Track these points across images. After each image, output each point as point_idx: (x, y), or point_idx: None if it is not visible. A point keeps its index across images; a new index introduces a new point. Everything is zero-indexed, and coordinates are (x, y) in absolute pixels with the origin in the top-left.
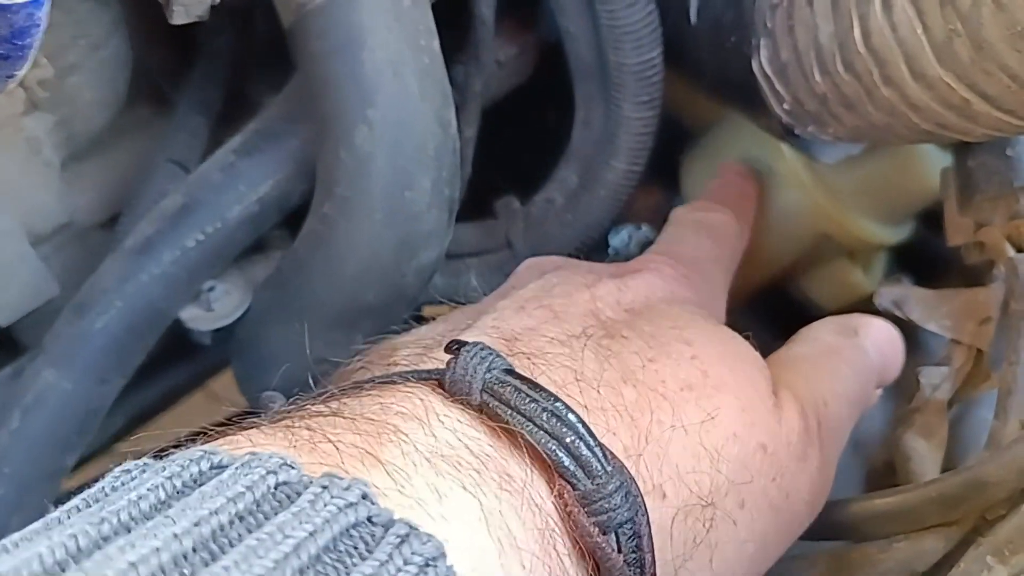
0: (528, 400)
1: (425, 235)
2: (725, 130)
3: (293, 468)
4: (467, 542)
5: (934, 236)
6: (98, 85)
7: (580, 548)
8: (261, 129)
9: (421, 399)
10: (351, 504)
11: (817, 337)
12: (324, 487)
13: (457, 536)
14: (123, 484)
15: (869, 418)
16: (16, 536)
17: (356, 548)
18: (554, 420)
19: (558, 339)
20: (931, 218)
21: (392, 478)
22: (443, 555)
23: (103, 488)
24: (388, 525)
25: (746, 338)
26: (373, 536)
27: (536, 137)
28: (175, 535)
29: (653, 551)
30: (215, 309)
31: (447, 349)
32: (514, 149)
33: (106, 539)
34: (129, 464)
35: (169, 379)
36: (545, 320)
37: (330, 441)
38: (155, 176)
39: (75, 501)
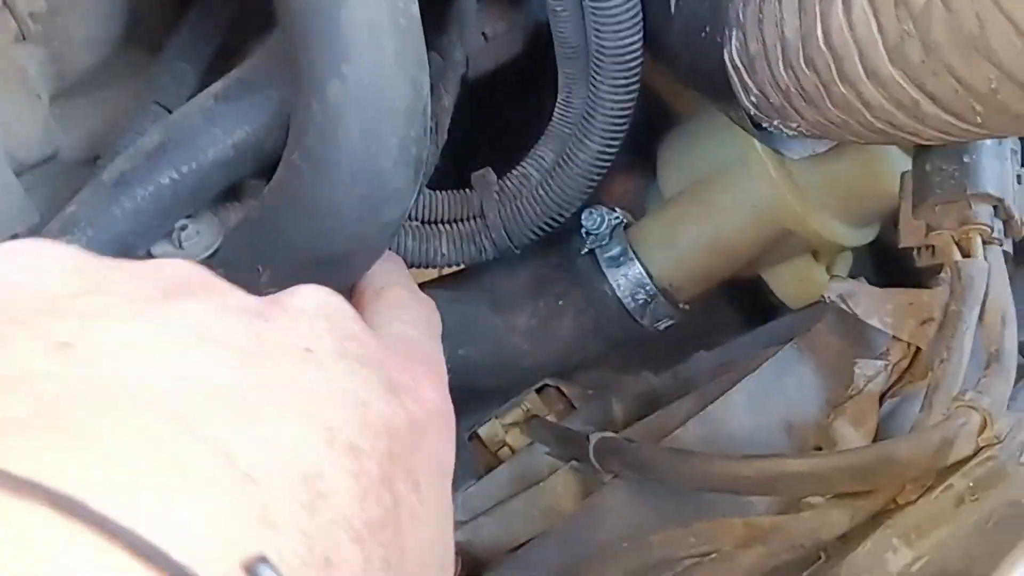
0: None
1: (390, 191)
2: (701, 121)
3: None
4: None
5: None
6: (90, 24)
7: None
8: (242, 77)
9: None
10: None
11: None
12: None
13: None
14: None
15: (806, 403)
16: None
17: None
18: None
19: None
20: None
21: None
22: None
23: None
24: None
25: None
26: None
27: (526, 117)
28: None
29: None
30: (185, 247)
31: None
32: (504, 128)
33: None
34: None
35: None
36: None
37: None
38: (138, 116)
39: None
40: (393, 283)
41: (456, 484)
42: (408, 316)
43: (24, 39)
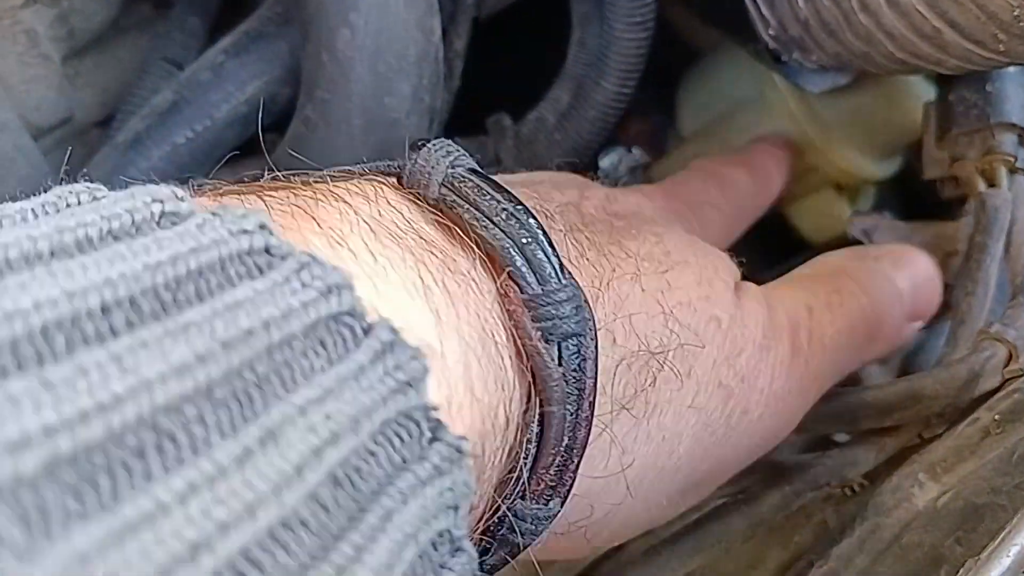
0: (488, 198)
1: (404, 141)
2: (720, 58)
3: (183, 201)
4: (396, 301)
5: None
6: None
7: (520, 354)
8: (250, 30)
9: (374, 187)
10: (245, 231)
11: (826, 260)
12: (215, 214)
13: (387, 292)
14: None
15: None
16: None
17: (247, 272)
18: (512, 221)
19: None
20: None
21: (324, 233)
22: (348, 287)
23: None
24: (286, 255)
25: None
26: (270, 265)
27: (537, 58)
28: None
29: (596, 376)
30: None
31: (411, 147)
32: (515, 70)
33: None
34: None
35: None
36: (524, 198)
37: (259, 197)
38: (149, 74)
39: None
40: None
41: None
42: None
43: (32, 2)
